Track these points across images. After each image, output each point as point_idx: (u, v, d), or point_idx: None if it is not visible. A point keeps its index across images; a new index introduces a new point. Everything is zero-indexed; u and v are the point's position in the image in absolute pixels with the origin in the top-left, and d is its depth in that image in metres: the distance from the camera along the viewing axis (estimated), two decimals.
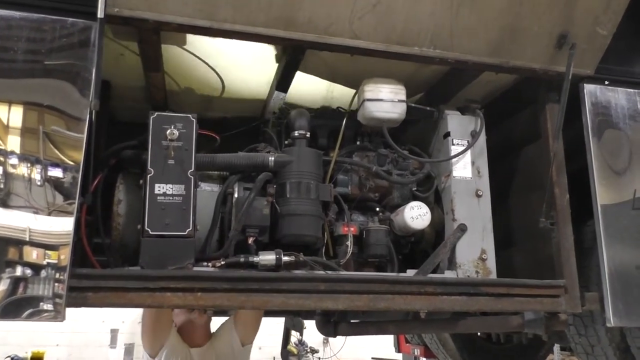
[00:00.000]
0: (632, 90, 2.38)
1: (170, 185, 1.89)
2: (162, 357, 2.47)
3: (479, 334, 4.32)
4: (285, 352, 9.37)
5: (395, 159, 2.29)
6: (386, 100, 2.17)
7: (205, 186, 2.09)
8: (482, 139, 2.29)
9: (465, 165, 2.25)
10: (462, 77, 2.37)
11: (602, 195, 2.23)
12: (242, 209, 1.97)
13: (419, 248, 2.36)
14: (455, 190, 2.21)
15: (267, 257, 1.95)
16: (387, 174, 2.24)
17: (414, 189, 2.28)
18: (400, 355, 6.55)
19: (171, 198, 1.88)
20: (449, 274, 2.11)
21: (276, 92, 2.40)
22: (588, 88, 2.32)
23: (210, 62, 2.32)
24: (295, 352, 9.65)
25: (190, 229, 1.88)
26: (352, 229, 2.15)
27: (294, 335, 9.69)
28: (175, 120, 1.94)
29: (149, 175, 1.88)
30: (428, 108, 2.32)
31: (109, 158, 2.16)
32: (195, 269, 1.86)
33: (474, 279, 2.08)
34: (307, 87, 2.51)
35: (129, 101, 2.58)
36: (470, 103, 2.33)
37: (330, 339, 11.11)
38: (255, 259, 1.94)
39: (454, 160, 2.23)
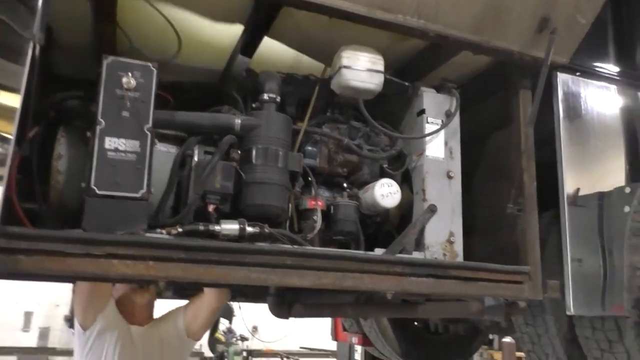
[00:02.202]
0: (601, 83, 2.40)
1: (124, 141, 1.67)
2: (95, 330, 2.21)
3: (415, 323, 4.37)
4: (212, 340, 9.14)
5: (367, 133, 2.17)
6: (364, 69, 2.04)
7: (161, 146, 1.87)
8: (457, 119, 2.22)
9: (438, 144, 2.17)
10: (438, 56, 2.29)
11: (569, 185, 2.23)
12: (203, 173, 1.78)
13: (383, 229, 2.26)
14: (427, 170, 2.12)
15: (230, 227, 1.77)
16: (358, 148, 2.12)
17: (385, 165, 2.17)
18: (333, 345, 6.53)
19: (124, 155, 1.66)
20: (416, 256, 2.02)
21: (240, 56, 2.21)
22: (561, 77, 2.31)
23: (169, 17, 2.09)
24: (223, 340, 9.41)
25: (144, 190, 1.67)
26: (319, 203, 2.01)
27: (223, 323, 9.47)
28: (133, 67, 1.72)
29: (99, 127, 1.65)
30: (406, 83, 2.21)
31: (49, 109, 1.90)
32: (148, 235, 1.65)
33: (443, 261, 2.00)
34: (273, 56, 2.33)
35: (72, 53, 2.28)
36: (446, 82, 2.25)
37: (260, 328, 10.97)
38: (217, 227, 1.76)
39: (427, 138, 2.15)
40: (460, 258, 2.08)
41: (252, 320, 10.75)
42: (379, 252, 1.99)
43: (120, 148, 1.65)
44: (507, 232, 2.26)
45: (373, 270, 1.87)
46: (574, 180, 2.24)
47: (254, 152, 1.89)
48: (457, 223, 2.13)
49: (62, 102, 1.91)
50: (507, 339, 6.44)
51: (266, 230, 1.81)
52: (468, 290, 2.01)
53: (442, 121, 2.18)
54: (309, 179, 2.03)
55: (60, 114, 1.91)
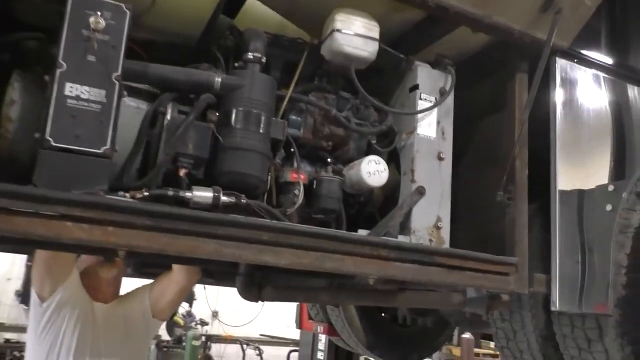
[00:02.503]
0: (597, 73, 2.31)
1: (88, 89, 1.47)
2: (55, 303, 1.98)
3: (383, 314, 4.28)
4: (171, 323, 8.89)
5: (356, 106, 2.02)
6: (358, 35, 1.88)
7: (130, 101, 1.67)
8: (451, 98, 2.09)
9: (430, 123, 2.03)
10: (434, 30, 2.15)
11: (562, 177, 2.13)
12: (177, 134, 1.59)
13: (366, 211, 2.12)
14: (418, 149, 1.99)
15: (203, 195, 1.60)
16: (346, 121, 1.96)
17: (374, 142, 2.03)
18: (296, 334, 6.39)
19: (87, 105, 1.46)
20: (402, 240, 1.89)
21: (222, 16, 2.02)
22: (560, 63, 2.21)
23: None
24: (182, 324, 9.17)
25: (108, 147, 1.48)
26: (302, 176, 1.85)
27: (183, 307, 9.22)
28: (103, 6, 1.51)
29: (59, 71, 1.44)
30: (401, 56, 2.06)
31: (3, 50, 1.68)
32: (109, 197, 1.46)
33: (430, 247, 1.87)
34: (257, 20, 2.15)
35: None
36: (442, 58, 2.11)
37: (221, 313, 10.77)
38: (188, 194, 1.58)
39: (420, 116, 2.01)
40: (446, 245, 1.96)
41: (214, 304, 10.56)
42: (362, 234, 1.84)
43: (83, 96, 1.45)
44: (495, 220, 2.15)
45: (356, 253, 1.73)
46: (567, 173, 2.14)
47: (234, 115, 1.71)
48: (446, 208, 2.01)
49: (18, 43, 1.69)
50: (467, 335, 6.45)
51: (243, 202, 1.64)
52: (453, 280, 1.89)
53: (436, 99, 2.05)
54: (292, 149, 1.87)
55: (17, 57, 1.70)
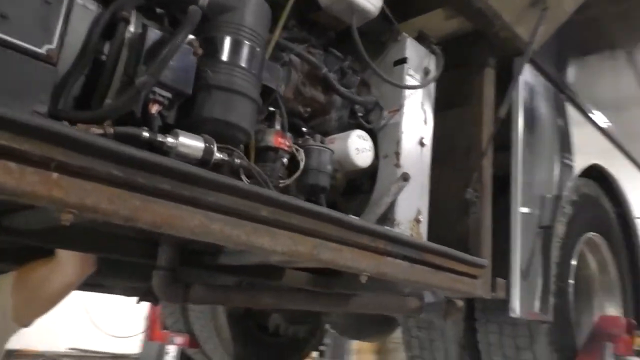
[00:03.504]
0: (549, 84, 2.34)
1: None
2: None
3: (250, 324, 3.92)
4: None
5: (344, 69, 1.68)
6: None
7: None
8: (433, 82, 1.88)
9: (415, 104, 1.79)
10: (416, 3, 1.94)
11: (523, 178, 2.07)
12: (161, 54, 1.07)
13: (330, 196, 1.78)
14: (403, 130, 1.73)
15: (192, 143, 1.12)
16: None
17: (360, 114, 1.71)
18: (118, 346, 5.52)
19: None
20: None
21: None
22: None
23: None
24: None
25: (53, 47, 0.93)
26: (286, 142, 1.45)
27: None
28: None
29: None
30: (394, 21, 1.79)
31: None
32: (58, 123, 0.91)
33: (424, 243, 1.61)
34: None
35: None
36: (426, 36, 1.90)
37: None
38: (170, 140, 1.09)
39: (406, 94, 1.76)
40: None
41: None
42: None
43: None
44: (456, 220, 1.99)
45: (355, 242, 1.38)
46: (526, 176, 2.09)
47: (222, 44, 1.25)
48: (425, 200, 1.78)
49: None
50: None
51: (237, 161, 1.19)
52: (437, 281, 1.65)
53: (421, 78, 1.82)
54: (276, 108, 1.46)
55: None
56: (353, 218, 1.40)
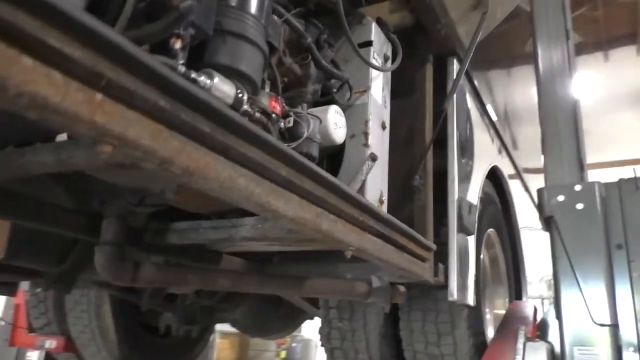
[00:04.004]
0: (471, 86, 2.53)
1: None
2: None
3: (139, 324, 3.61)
4: None
5: (321, 42, 1.63)
6: None
7: None
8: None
9: (378, 87, 1.81)
10: None
11: (458, 170, 2.20)
12: None
13: None
14: (371, 112, 1.73)
15: (225, 87, 1.01)
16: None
17: (335, 91, 1.67)
18: None
19: None
20: None
21: None
22: (456, 65, 2.31)
23: None
24: None
25: None
26: (278, 107, 1.36)
27: None
28: None
29: None
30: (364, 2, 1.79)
31: None
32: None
33: (396, 222, 1.61)
34: None
35: None
36: (384, 23, 1.94)
37: None
38: (204, 79, 0.95)
39: (373, 76, 1.77)
40: None
41: None
42: None
43: None
44: (402, 206, 2.04)
45: (347, 215, 1.35)
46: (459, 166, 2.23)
47: None
48: (385, 182, 1.80)
49: None
50: None
51: (257, 114, 1.09)
52: (399, 261, 1.67)
53: (382, 63, 1.85)
54: (269, 72, 1.36)
55: None
56: (351, 189, 1.36)
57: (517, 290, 3.42)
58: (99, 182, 1.47)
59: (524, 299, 3.57)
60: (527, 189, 4.05)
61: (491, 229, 2.95)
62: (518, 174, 3.72)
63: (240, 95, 1.04)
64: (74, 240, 1.80)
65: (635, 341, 2.41)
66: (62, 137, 1.16)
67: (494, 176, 3.06)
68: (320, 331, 2.75)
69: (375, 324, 2.52)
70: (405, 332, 2.45)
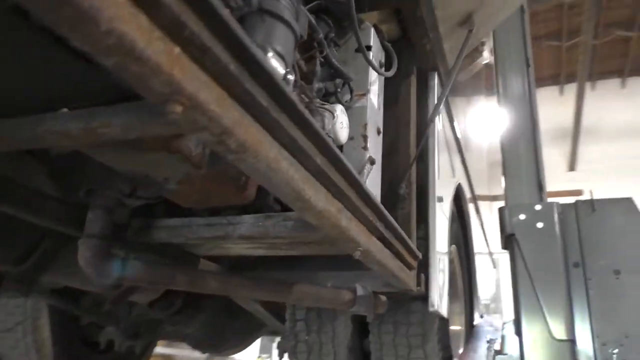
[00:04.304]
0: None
1: None
2: None
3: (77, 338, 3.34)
4: None
5: (332, 40, 1.60)
6: None
7: None
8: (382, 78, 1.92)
9: (376, 92, 1.81)
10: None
11: (439, 181, 2.23)
12: None
13: None
14: (370, 115, 1.72)
15: (276, 63, 0.95)
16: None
17: (339, 90, 1.63)
18: None
19: None
20: None
21: None
22: (437, 80, 2.36)
23: None
24: None
25: None
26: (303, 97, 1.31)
27: None
28: None
29: None
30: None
31: None
32: None
33: (398, 228, 1.58)
34: None
35: None
36: (380, 31, 1.95)
37: None
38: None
39: (371, 80, 1.76)
40: None
41: None
42: None
43: None
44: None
45: (361, 215, 1.31)
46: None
47: None
48: (379, 187, 1.78)
49: None
50: None
51: (306, 98, 1.04)
52: (391, 267, 1.64)
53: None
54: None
55: None
56: (369, 189, 1.32)
57: (470, 307, 3.50)
58: (90, 169, 1.35)
59: (475, 316, 3.65)
60: (478, 211, 4.20)
61: (453, 245, 3.01)
62: (473, 197, 3.84)
63: (288, 76, 0.99)
64: (42, 236, 1.64)
65: (591, 355, 2.51)
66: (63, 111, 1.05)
67: (456, 195, 3.14)
68: (280, 345, 2.66)
69: (344, 337, 2.47)
70: (374, 345, 2.42)
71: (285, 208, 1.57)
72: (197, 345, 3.44)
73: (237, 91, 0.77)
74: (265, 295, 1.70)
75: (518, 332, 2.76)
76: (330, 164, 1.10)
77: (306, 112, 0.94)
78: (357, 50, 1.79)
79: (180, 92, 0.67)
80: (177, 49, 0.65)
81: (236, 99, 0.78)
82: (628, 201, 2.71)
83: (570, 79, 13.63)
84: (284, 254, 1.70)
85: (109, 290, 2.05)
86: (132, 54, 0.59)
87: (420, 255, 1.91)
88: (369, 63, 1.66)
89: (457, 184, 2.95)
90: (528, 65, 3.22)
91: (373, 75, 1.78)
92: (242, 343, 3.49)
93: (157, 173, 1.24)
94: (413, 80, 2.23)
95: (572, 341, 2.60)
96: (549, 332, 2.64)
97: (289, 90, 0.87)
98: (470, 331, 3.30)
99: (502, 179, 3.17)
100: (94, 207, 1.36)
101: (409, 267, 1.83)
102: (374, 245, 1.45)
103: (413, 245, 1.91)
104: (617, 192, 3.11)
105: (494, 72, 3.34)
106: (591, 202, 2.76)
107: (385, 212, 1.45)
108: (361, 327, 2.56)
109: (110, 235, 1.36)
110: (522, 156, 3.08)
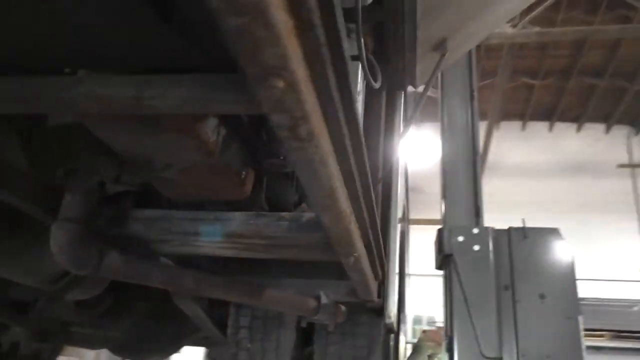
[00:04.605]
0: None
1: None
2: None
3: None
4: None
5: None
6: None
7: None
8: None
9: (360, 102, 1.82)
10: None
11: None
12: None
13: None
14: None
15: None
16: None
17: None
18: None
19: None
20: None
21: None
22: (403, 98, 2.43)
23: None
24: None
25: None
26: None
27: None
28: None
29: None
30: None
31: None
32: None
33: (380, 237, 1.59)
34: None
35: None
36: (366, 44, 1.97)
37: None
38: None
39: (358, 90, 1.78)
40: None
41: None
42: None
43: None
44: None
45: (361, 220, 1.31)
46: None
47: None
48: None
49: None
50: None
51: None
52: (368, 276, 1.65)
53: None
54: None
55: None
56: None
57: (398, 326, 3.59)
58: (74, 147, 1.24)
59: (401, 335, 3.76)
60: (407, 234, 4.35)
61: None
62: (403, 219, 3.97)
63: None
64: None
65: None
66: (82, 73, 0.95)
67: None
68: (209, 355, 2.57)
69: (288, 346, 2.43)
70: (319, 355, 2.40)
71: (274, 209, 1.53)
72: (119, 350, 3.20)
73: (318, 75, 0.75)
74: (237, 297, 1.63)
75: (449, 348, 2.88)
76: (357, 166, 1.09)
77: (357, 107, 0.93)
78: (354, 58, 1.81)
79: (286, 67, 0.63)
80: (291, 22, 0.62)
81: (314, 84, 0.75)
82: (555, 231, 2.94)
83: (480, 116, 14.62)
84: (260, 256, 1.64)
85: (47, 285, 1.86)
86: (263, 18, 0.55)
87: (386, 265, 1.94)
88: (365, 73, 1.68)
89: (403, 205, 3.04)
90: (472, 98, 3.42)
91: (359, 85, 1.80)
92: (167, 350, 3.29)
93: (162, 158, 1.16)
94: (383, 96, 2.28)
95: (500, 359, 2.75)
96: (480, 349, 2.77)
97: (353, 81, 0.86)
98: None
99: (442, 203, 3.32)
100: (73, 189, 1.24)
101: (377, 277, 1.85)
102: (362, 252, 1.45)
103: (383, 255, 1.94)
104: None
105: (439, 101, 3.51)
106: (523, 230, 2.96)
107: (377, 219, 1.46)
108: (304, 336, 2.53)
109: (87, 221, 1.25)
110: (461, 182, 3.25)
